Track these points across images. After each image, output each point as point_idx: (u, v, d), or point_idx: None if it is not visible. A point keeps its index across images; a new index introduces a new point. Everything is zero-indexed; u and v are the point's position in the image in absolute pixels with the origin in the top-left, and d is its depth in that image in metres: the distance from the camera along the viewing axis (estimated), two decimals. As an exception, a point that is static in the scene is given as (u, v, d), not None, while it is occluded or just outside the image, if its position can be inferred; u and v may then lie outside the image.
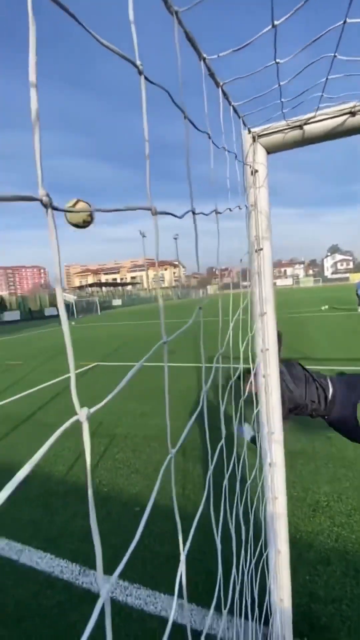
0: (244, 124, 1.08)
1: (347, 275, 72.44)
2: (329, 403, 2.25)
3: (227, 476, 0.93)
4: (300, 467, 3.02)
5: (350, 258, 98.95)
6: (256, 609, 1.30)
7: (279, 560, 1.42)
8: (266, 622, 1.46)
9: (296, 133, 1.18)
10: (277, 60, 0.62)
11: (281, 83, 0.76)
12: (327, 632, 1.64)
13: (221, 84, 0.66)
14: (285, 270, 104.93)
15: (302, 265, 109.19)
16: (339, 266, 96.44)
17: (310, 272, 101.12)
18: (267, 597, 1.46)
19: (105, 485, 3.03)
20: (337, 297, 24.80)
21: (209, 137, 0.66)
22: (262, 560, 1.45)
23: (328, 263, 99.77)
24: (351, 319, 12.47)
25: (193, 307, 1.23)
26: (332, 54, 0.66)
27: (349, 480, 2.76)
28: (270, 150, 1.26)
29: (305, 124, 1.15)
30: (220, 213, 1.07)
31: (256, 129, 1.19)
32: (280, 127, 1.17)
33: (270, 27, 0.49)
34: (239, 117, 0.98)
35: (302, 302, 22.86)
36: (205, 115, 0.74)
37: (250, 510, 1.28)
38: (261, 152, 1.24)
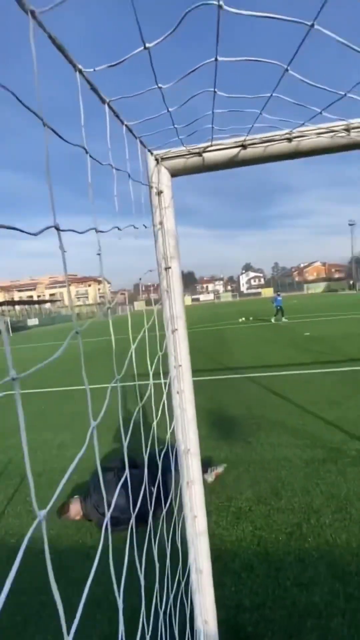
0: (143, 145, 1.09)
1: (260, 290, 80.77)
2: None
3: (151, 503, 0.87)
4: (223, 475, 3.11)
5: (262, 275, 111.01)
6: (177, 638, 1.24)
7: (201, 580, 1.40)
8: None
9: (196, 160, 1.25)
10: (160, 85, 0.64)
11: (170, 109, 0.78)
12: (253, 640, 1.66)
13: (107, 100, 0.65)
14: (207, 287, 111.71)
15: (221, 282, 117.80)
16: (252, 282, 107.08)
17: (229, 287, 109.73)
18: (188, 624, 1.41)
19: (12, 535, 2.62)
20: (252, 309, 27.33)
21: (112, 166, 0.64)
22: (181, 586, 1.41)
23: (243, 279, 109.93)
24: (264, 329, 13.81)
25: (119, 324, 1.16)
26: (213, 89, 0.71)
27: (267, 482, 2.95)
28: (174, 173, 1.30)
29: (204, 151, 1.24)
30: (120, 230, 1.05)
31: (158, 152, 1.23)
32: (181, 153, 1.22)
33: (142, 48, 0.49)
34: (136, 138, 0.98)
35: (223, 316, 24.50)
36: (107, 135, 0.72)
37: (168, 537, 1.24)
38: (165, 175, 1.28)
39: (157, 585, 1.16)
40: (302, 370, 6.61)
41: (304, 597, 1.84)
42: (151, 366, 1.13)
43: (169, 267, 1.29)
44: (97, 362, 9.21)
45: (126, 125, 0.83)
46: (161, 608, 1.10)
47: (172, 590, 1.22)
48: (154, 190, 1.27)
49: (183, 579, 1.41)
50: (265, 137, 1.19)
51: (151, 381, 1.14)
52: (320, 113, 0.85)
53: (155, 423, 1.26)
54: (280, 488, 2.84)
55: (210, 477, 3.02)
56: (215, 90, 0.70)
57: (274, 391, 5.43)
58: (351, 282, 65.97)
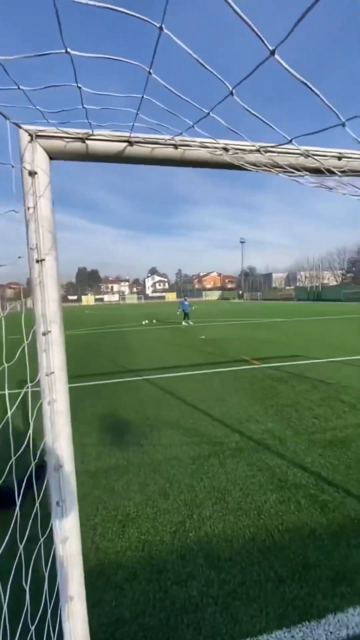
0: (3, 115, 0.93)
1: (164, 294, 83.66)
2: None
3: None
4: (113, 482, 3.01)
5: (166, 280, 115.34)
6: None
7: (71, 607, 1.26)
8: None
9: (79, 145, 1.14)
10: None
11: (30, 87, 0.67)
12: (129, 654, 1.61)
13: None
14: (112, 287, 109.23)
15: (127, 283, 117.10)
16: (157, 286, 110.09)
17: (135, 289, 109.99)
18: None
19: None
20: (156, 312, 27.97)
21: None
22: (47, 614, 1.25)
23: (149, 282, 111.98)
24: (166, 332, 14.28)
25: (10, 323, 0.93)
26: (77, 85, 0.63)
27: (156, 484, 2.98)
28: (53, 156, 1.16)
29: (88, 138, 1.13)
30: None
31: (31, 127, 1.07)
32: (60, 134, 1.09)
33: None
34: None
35: (127, 318, 24.29)
36: None
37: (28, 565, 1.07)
38: (42, 155, 1.12)
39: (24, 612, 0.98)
40: (196, 371, 7.05)
41: (182, 593, 1.90)
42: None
43: (42, 260, 1.13)
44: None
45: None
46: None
47: (37, 618, 1.05)
48: (27, 170, 1.10)
49: (50, 605, 1.25)
50: (152, 138, 1.17)
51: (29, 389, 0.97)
52: (192, 127, 0.87)
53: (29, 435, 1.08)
54: (168, 488, 2.90)
55: None
56: (79, 85, 0.62)
57: (170, 392, 5.61)
58: (240, 292, 74.89)
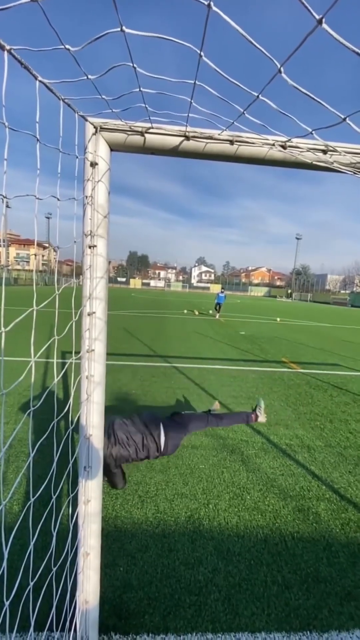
0: (73, 109, 1.00)
1: (209, 285, 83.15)
2: (163, 451, 2.65)
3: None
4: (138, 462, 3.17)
5: (213, 271, 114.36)
6: (53, 618, 1.23)
7: (86, 563, 1.40)
8: (70, 628, 1.42)
9: (138, 139, 1.19)
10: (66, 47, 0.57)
11: (92, 76, 0.72)
12: (134, 618, 1.74)
13: (7, 47, 0.56)
14: (159, 273, 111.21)
15: (174, 271, 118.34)
16: (203, 276, 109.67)
17: (180, 277, 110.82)
18: (66, 603, 1.41)
19: None
20: (197, 302, 28.01)
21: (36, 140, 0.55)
22: (66, 565, 1.40)
23: (195, 272, 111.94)
24: (205, 323, 14.29)
25: (61, 295, 1.07)
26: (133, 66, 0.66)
27: (177, 468, 3.08)
28: (114, 147, 1.23)
29: (147, 132, 1.18)
30: (40, 199, 0.95)
31: (96, 120, 1.14)
32: (122, 127, 1.15)
33: None
34: (60, 100, 0.89)
35: (169, 304, 24.68)
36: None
37: (55, 519, 1.21)
38: (103, 146, 1.20)
39: (44, 561, 1.12)
40: (230, 366, 7.00)
41: (188, 575, 1.98)
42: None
43: (94, 246, 1.22)
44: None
45: (42, 83, 0.74)
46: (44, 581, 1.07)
47: (55, 566, 1.20)
48: (89, 161, 1.18)
49: (69, 557, 1.40)
50: (208, 133, 1.18)
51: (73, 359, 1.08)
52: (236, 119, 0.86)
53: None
54: (189, 475, 2.99)
55: (263, 417, 3.43)
56: (134, 66, 0.66)
57: (201, 382, 5.67)
58: (289, 291, 71.60)
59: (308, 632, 1.71)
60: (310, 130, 0.74)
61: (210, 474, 3.02)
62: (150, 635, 1.66)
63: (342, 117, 0.60)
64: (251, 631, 1.70)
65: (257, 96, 0.66)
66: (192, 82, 0.70)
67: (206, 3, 0.44)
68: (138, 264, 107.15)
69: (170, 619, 1.74)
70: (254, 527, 2.39)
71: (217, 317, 17.18)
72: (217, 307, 17.61)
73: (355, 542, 2.31)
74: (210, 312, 17.74)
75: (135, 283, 75.17)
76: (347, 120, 0.60)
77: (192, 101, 0.82)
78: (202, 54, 0.56)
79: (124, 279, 77.85)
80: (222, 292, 18.22)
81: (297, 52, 0.54)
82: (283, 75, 0.54)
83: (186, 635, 1.66)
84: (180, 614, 1.76)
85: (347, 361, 8.26)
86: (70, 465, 1.29)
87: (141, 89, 0.78)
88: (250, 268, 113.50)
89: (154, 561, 2.07)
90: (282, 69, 0.52)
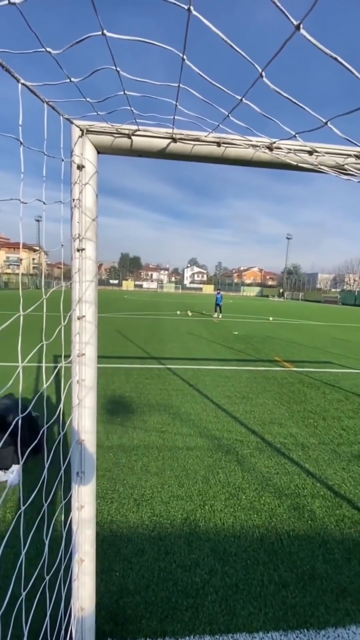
0: (57, 112, 0.99)
1: (201, 285, 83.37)
2: None
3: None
4: (133, 462, 3.15)
5: (205, 271, 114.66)
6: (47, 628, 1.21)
7: (81, 569, 1.39)
8: (66, 636, 1.39)
9: (125, 141, 1.19)
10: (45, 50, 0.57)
11: (75, 79, 0.71)
12: (131, 623, 1.72)
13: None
14: (151, 274, 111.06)
15: (166, 272, 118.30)
16: (196, 277, 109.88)
17: (173, 279, 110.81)
18: (61, 611, 1.39)
19: None
20: (190, 303, 28.05)
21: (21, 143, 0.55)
22: (60, 573, 1.38)
23: (188, 273, 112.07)
24: (199, 324, 14.31)
25: (51, 298, 1.05)
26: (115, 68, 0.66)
27: (173, 470, 3.07)
28: (100, 150, 1.22)
29: (133, 134, 1.18)
30: (25, 203, 0.94)
31: (82, 122, 1.13)
32: (108, 130, 1.15)
33: None
34: (43, 102, 0.88)
35: (161, 305, 24.67)
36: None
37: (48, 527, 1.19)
38: (90, 149, 1.19)
39: (37, 570, 1.11)
40: (224, 366, 7.02)
41: (185, 577, 1.97)
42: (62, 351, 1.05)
43: (83, 249, 1.21)
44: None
45: (25, 86, 0.73)
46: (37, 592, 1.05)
47: (49, 574, 1.18)
48: (75, 164, 1.17)
49: (63, 564, 1.38)
50: (195, 135, 1.18)
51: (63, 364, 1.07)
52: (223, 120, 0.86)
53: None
54: (184, 476, 2.98)
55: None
56: (118, 69, 0.65)
57: (196, 383, 5.67)
58: (281, 290, 72.24)
59: (305, 629, 1.72)
60: (293, 133, 0.74)
61: (206, 475, 3.02)
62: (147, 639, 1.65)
63: (324, 120, 0.61)
64: (249, 631, 1.70)
65: (241, 99, 0.66)
66: (177, 85, 0.70)
67: (186, 7, 0.44)
68: (130, 265, 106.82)
69: (167, 622, 1.73)
70: (250, 526, 2.40)
71: (218, 317, 17.34)
72: (217, 308, 17.79)
73: (350, 538, 2.33)
74: (204, 312, 17.94)
75: (128, 285, 74.94)
76: (329, 124, 0.61)
77: (178, 104, 0.82)
78: (184, 57, 0.56)
79: (116, 281, 77.53)
80: (218, 292, 18.47)
81: (283, 53, 0.54)
82: (265, 79, 0.54)
83: (184, 639, 1.65)
84: (178, 617, 1.75)
85: (339, 359, 8.36)
86: (62, 470, 1.27)
87: (126, 92, 0.78)
88: (242, 268, 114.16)
89: (151, 565, 2.06)
90: (263, 74, 0.53)
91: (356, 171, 1.22)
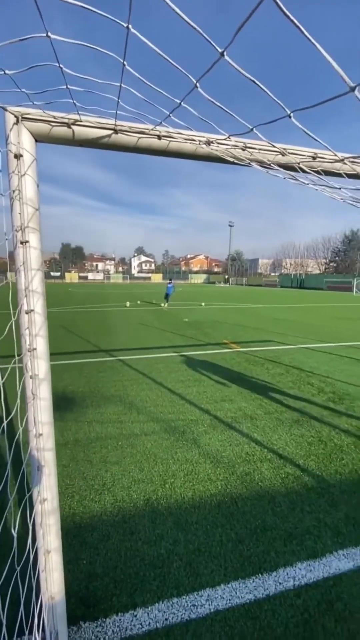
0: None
1: (150, 275, 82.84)
2: None
3: None
4: (91, 455, 3.16)
5: (153, 260, 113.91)
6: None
7: (48, 560, 1.41)
8: (39, 627, 1.41)
9: (65, 130, 1.17)
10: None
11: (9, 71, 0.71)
12: (101, 603, 1.79)
13: None
14: (97, 265, 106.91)
15: (112, 262, 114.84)
16: (143, 266, 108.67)
17: (120, 269, 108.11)
18: (32, 604, 1.41)
19: None
20: (140, 293, 27.82)
21: None
22: (28, 565, 1.39)
23: (135, 262, 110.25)
24: (149, 313, 14.32)
25: None
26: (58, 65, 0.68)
27: (132, 457, 3.15)
28: (38, 138, 1.18)
29: (74, 124, 1.16)
30: None
31: (17, 109, 1.09)
32: (45, 117, 1.12)
33: None
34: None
35: (110, 297, 24.07)
36: None
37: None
38: (27, 137, 1.15)
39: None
40: (176, 353, 7.21)
41: (151, 551, 2.09)
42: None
43: (26, 241, 1.18)
44: None
45: None
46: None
47: (15, 572, 1.18)
48: (12, 153, 1.13)
49: (32, 555, 1.39)
50: (137, 127, 1.21)
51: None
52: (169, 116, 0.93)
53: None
54: (144, 461, 3.08)
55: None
56: (61, 66, 0.67)
57: (150, 372, 5.76)
58: (226, 276, 75.16)
59: (260, 574, 1.95)
60: (227, 134, 0.83)
61: (165, 456, 3.15)
62: (119, 614, 1.74)
63: (250, 127, 0.70)
64: (212, 586, 1.88)
65: (180, 103, 0.72)
66: (118, 84, 0.73)
67: (125, 26, 0.48)
68: (73, 256, 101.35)
69: (137, 595, 1.83)
70: (208, 496, 2.60)
71: (164, 306, 17.54)
72: (166, 297, 17.92)
73: (294, 491, 2.66)
74: (154, 301, 18.15)
75: (72, 277, 71.31)
76: (254, 130, 0.70)
77: (120, 101, 0.85)
78: (125, 62, 0.60)
79: (58, 273, 73.08)
80: (170, 282, 18.58)
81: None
82: (199, 90, 0.61)
83: (153, 605, 1.78)
84: (146, 588, 1.87)
85: (279, 337, 9.11)
86: (24, 466, 1.26)
87: (68, 86, 0.79)
88: (189, 256, 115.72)
89: (117, 547, 2.13)
90: (198, 84, 0.59)
91: (277, 167, 1.37)
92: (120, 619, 1.71)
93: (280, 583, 1.91)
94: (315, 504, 2.52)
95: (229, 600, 1.80)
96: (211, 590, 1.86)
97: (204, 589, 1.87)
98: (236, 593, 1.84)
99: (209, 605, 1.77)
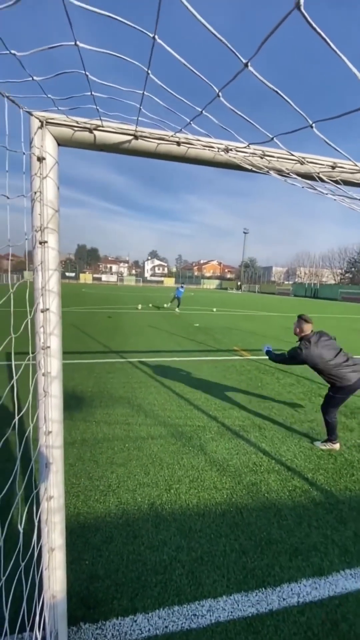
0: (17, 105, 0.98)
1: (162, 279, 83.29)
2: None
3: None
4: (98, 455, 3.17)
5: (166, 264, 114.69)
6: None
7: (52, 558, 1.41)
8: (40, 625, 1.42)
9: (87, 135, 1.20)
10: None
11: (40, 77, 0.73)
12: (102, 605, 1.78)
13: None
14: (111, 267, 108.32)
15: (126, 264, 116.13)
16: (156, 270, 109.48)
17: (133, 271, 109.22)
18: (34, 602, 1.41)
19: None
20: (152, 296, 27.98)
21: None
22: (32, 563, 1.40)
23: (148, 266, 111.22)
24: (160, 317, 14.38)
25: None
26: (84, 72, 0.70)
27: (138, 459, 3.14)
28: (61, 142, 1.22)
29: (96, 129, 1.19)
30: (9, 198, 0.93)
31: (42, 114, 1.12)
32: (68, 122, 1.15)
33: None
34: (3, 97, 0.88)
35: (122, 299, 24.32)
36: None
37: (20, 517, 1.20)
38: (50, 141, 1.18)
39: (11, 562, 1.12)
40: (186, 357, 7.20)
41: (153, 556, 2.08)
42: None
43: (45, 242, 1.21)
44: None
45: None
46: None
47: (19, 569, 1.19)
48: (35, 156, 1.16)
49: (36, 552, 1.40)
50: (157, 133, 1.23)
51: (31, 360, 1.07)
52: (190, 123, 0.94)
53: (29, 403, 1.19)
54: (150, 465, 3.07)
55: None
56: (87, 73, 0.69)
57: (158, 375, 5.76)
58: (239, 283, 74.82)
59: (263, 588, 1.91)
60: (247, 143, 0.83)
61: (171, 461, 3.14)
62: (119, 618, 1.73)
63: (270, 136, 0.70)
64: (213, 597, 1.85)
65: (201, 112, 0.73)
66: (141, 92, 0.75)
67: (151, 36, 0.49)
68: (88, 257, 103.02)
69: (138, 600, 1.82)
70: (212, 504, 2.57)
71: (168, 306, 17.86)
72: (177, 302, 18.02)
73: (301, 505, 2.60)
74: (166, 305, 18.35)
75: (86, 278, 72.37)
76: (275, 139, 0.71)
77: (142, 108, 0.87)
78: (149, 71, 0.61)
79: (73, 274, 74.27)
80: (181, 286, 18.72)
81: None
82: (221, 99, 0.61)
83: (154, 612, 1.76)
84: (148, 594, 1.85)
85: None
86: (32, 463, 1.28)
87: (92, 93, 0.81)
88: (202, 261, 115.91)
89: (119, 550, 2.13)
90: (220, 94, 0.60)
91: (295, 176, 1.36)
92: (120, 623, 1.70)
93: (284, 599, 1.86)
94: (323, 519, 2.46)
95: (231, 612, 1.76)
96: (213, 600, 1.83)
97: (205, 598, 1.84)
98: (238, 605, 1.80)
99: (210, 615, 1.74)
